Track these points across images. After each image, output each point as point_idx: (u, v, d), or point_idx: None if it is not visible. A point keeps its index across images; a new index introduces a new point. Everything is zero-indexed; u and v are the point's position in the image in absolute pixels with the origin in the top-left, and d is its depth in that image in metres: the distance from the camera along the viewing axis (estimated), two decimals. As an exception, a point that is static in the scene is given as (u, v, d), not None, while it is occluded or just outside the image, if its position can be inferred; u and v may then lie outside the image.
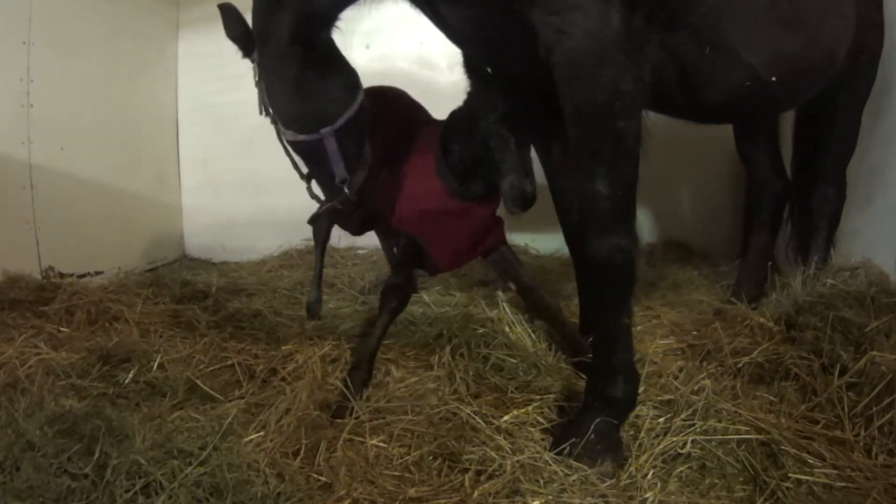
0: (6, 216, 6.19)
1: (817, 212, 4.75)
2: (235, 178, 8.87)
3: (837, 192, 4.71)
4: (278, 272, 7.24)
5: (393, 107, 4.51)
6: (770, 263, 4.98)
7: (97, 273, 7.01)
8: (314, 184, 3.95)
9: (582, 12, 2.72)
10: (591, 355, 3.43)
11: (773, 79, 3.62)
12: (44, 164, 6.56)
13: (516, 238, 7.19)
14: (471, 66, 3.81)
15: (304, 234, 7.44)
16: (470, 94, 3.86)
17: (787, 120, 5.07)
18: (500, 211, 3.89)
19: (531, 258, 7.02)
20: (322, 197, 3.93)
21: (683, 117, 4.19)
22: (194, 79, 9.05)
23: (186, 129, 9.20)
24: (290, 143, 3.71)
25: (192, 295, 5.70)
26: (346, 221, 3.80)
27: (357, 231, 3.84)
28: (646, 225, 7.40)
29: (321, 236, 5.35)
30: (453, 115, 3.98)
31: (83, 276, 6.74)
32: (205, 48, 8.75)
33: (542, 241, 6.95)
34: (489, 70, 3.85)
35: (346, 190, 3.67)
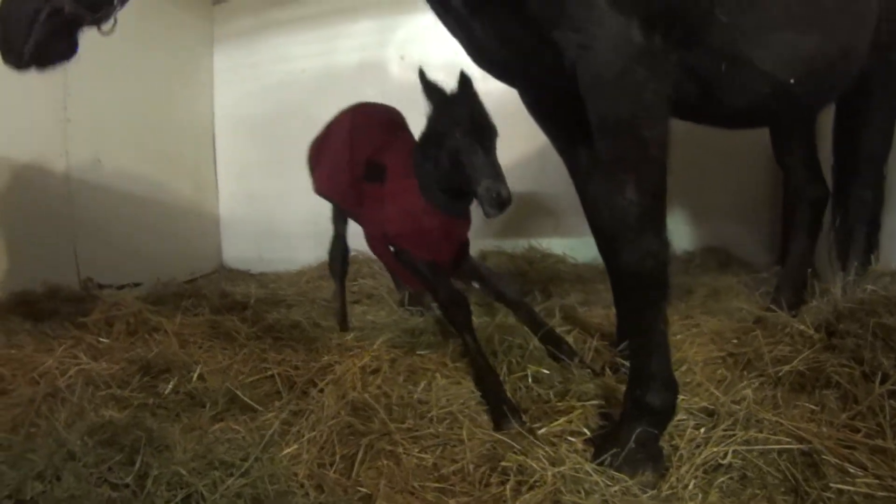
0: (45, 227, 6.28)
1: (855, 215, 4.69)
2: (273, 188, 8.96)
3: (875, 194, 4.64)
4: (317, 283, 7.25)
5: (376, 120, 4.78)
6: (810, 269, 4.93)
7: (136, 284, 7.06)
8: None
9: (603, 28, 2.76)
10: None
11: (791, 81, 3.61)
12: (82, 175, 6.65)
13: (555, 246, 7.20)
14: (429, 87, 3.89)
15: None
16: (432, 113, 4.06)
17: (826, 124, 5.02)
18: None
19: (569, 267, 6.98)
20: None
21: (710, 124, 4.19)
22: (230, 91, 9.17)
23: (223, 141, 9.34)
24: None
25: (231, 306, 5.72)
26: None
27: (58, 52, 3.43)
28: (684, 232, 7.37)
29: (338, 258, 5.44)
30: (421, 137, 4.22)
31: (122, 287, 6.79)
32: (241, 61, 8.86)
33: (580, 250, 6.92)
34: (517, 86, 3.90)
35: None
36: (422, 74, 3.97)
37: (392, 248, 4.34)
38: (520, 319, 4.22)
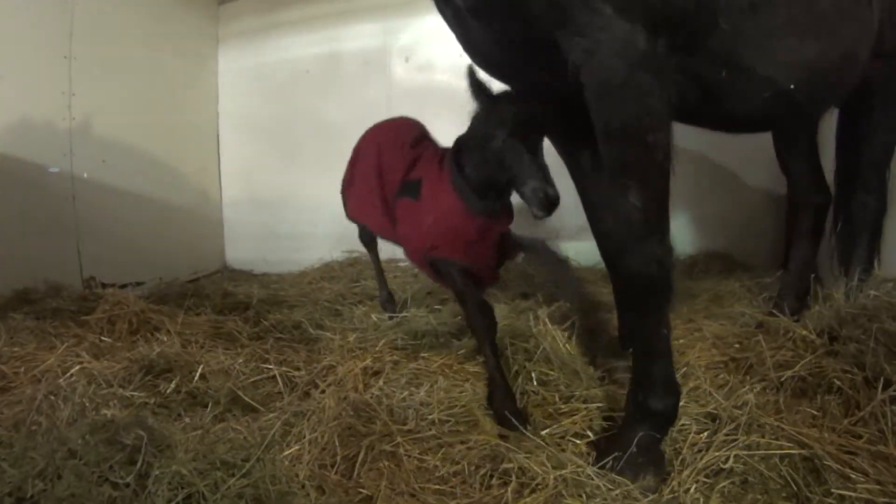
0: (49, 227, 6.29)
1: (858, 221, 4.67)
2: (276, 190, 9.00)
3: (877, 200, 4.63)
4: (319, 284, 7.23)
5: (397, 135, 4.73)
6: (812, 275, 4.92)
7: (138, 283, 7.08)
8: None
9: (608, 33, 2.75)
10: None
11: (792, 86, 3.61)
12: (86, 175, 6.66)
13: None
14: (476, 86, 3.83)
15: (345, 247, 7.47)
16: (476, 117, 3.92)
17: (830, 129, 5.01)
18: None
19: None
20: None
21: (711, 128, 4.19)
22: (235, 92, 9.19)
23: (227, 141, 9.34)
24: None
25: (234, 306, 5.75)
26: None
27: None
28: (687, 236, 7.35)
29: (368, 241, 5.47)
30: (460, 140, 4.10)
31: (124, 286, 6.80)
32: (245, 61, 8.87)
33: (583, 254, 6.89)
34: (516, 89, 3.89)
35: None
36: (470, 73, 3.83)
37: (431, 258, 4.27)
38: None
